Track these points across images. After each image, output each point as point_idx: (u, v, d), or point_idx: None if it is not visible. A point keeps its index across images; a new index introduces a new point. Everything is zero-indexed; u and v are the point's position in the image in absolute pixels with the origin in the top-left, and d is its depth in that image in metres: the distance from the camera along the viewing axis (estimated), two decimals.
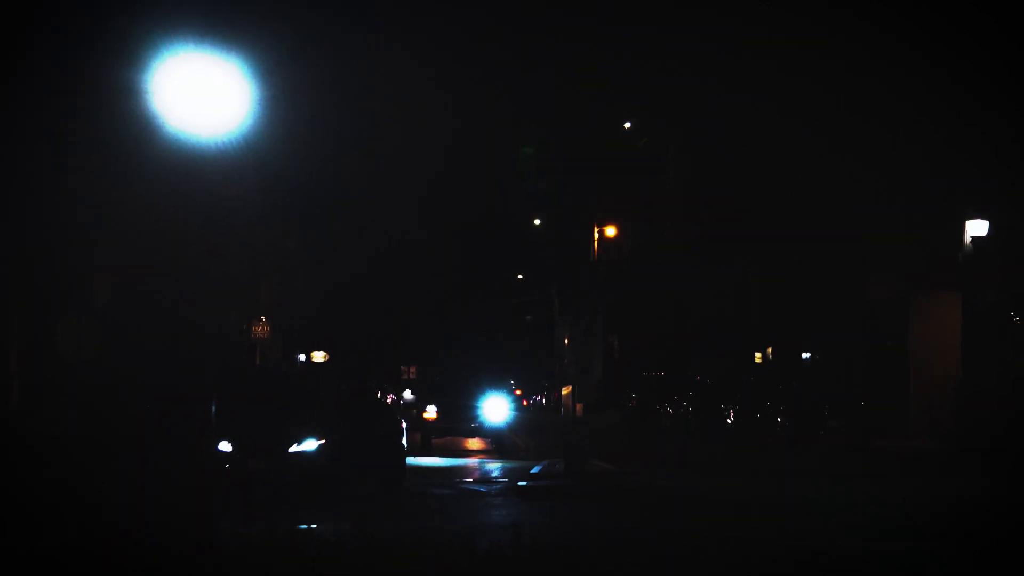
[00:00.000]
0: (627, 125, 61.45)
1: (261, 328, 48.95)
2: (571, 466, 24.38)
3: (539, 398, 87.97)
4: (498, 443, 33.49)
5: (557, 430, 31.29)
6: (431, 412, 34.05)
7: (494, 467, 27.92)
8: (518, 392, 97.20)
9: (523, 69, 57.42)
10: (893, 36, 32.97)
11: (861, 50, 33.94)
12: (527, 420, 58.24)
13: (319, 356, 67.01)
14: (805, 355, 44.51)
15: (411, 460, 27.23)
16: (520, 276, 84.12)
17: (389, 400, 68.50)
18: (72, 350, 25.86)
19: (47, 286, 28.03)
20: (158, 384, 25.93)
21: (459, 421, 33.84)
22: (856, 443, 32.06)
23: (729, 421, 38.04)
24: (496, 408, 34.25)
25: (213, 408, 13.61)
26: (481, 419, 33.95)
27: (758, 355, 48.26)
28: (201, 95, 12.69)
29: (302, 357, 62.25)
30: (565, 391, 64.82)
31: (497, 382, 43.08)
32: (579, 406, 45.99)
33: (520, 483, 23.71)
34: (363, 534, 13.25)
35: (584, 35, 51.67)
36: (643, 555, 13.92)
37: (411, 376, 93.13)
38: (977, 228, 31.58)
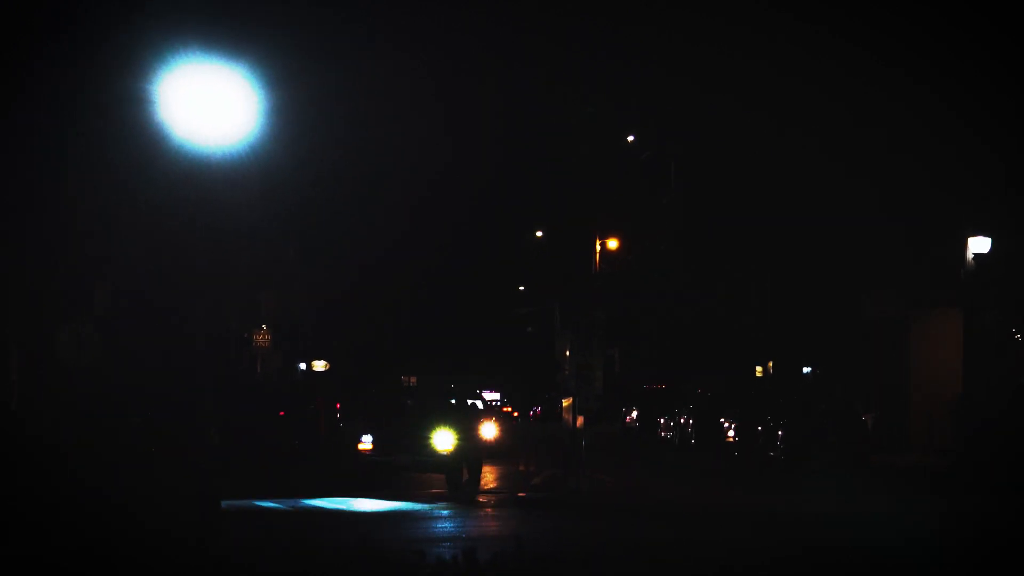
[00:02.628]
0: (630, 138, 61.55)
1: (262, 337, 48.88)
2: (570, 478, 24.37)
3: (538, 410, 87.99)
4: (449, 480, 27.27)
5: (555, 443, 29.90)
6: (366, 442, 27.96)
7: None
8: (513, 410, 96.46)
9: (530, 81, 57.57)
10: (897, 55, 33.04)
11: (865, 68, 34.00)
12: (523, 433, 57.87)
13: (320, 365, 66.90)
14: (806, 369, 44.48)
15: (312, 502, 22.40)
16: (521, 288, 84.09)
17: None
18: (72, 357, 25.77)
19: (48, 292, 28.04)
20: (157, 392, 25.98)
21: (400, 452, 27.60)
22: (856, 458, 31.99)
23: (730, 434, 38.02)
24: (447, 436, 27.44)
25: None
26: (430, 450, 27.39)
27: (759, 369, 48.25)
28: (207, 105, 12.69)
29: (303, 366, 62.20)
30: (566, 403, 64.64)
31: (467, 399, 37.20)
32: (579, 418, 45.77)
33: (519, 494, 23.70)
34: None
35: (589, 49, 51.81)
36: (642, 564, 13.91)
37: (411, 386, 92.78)
38: (980, 245, 31.56)
